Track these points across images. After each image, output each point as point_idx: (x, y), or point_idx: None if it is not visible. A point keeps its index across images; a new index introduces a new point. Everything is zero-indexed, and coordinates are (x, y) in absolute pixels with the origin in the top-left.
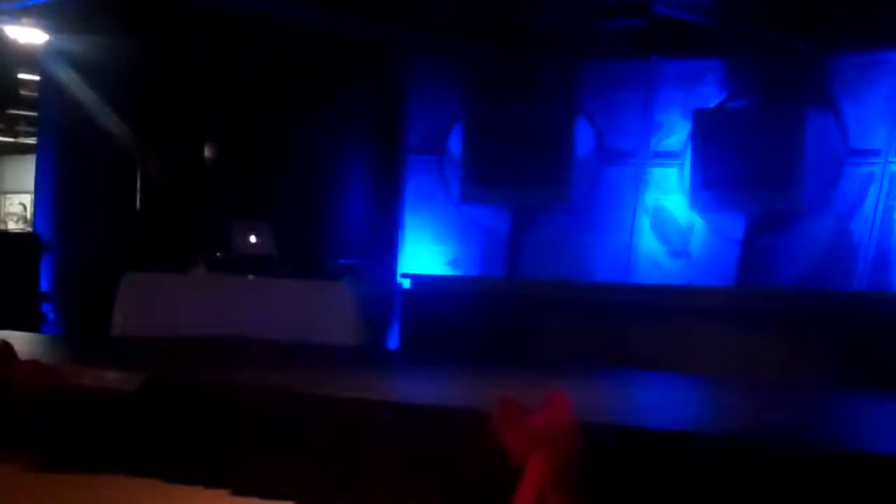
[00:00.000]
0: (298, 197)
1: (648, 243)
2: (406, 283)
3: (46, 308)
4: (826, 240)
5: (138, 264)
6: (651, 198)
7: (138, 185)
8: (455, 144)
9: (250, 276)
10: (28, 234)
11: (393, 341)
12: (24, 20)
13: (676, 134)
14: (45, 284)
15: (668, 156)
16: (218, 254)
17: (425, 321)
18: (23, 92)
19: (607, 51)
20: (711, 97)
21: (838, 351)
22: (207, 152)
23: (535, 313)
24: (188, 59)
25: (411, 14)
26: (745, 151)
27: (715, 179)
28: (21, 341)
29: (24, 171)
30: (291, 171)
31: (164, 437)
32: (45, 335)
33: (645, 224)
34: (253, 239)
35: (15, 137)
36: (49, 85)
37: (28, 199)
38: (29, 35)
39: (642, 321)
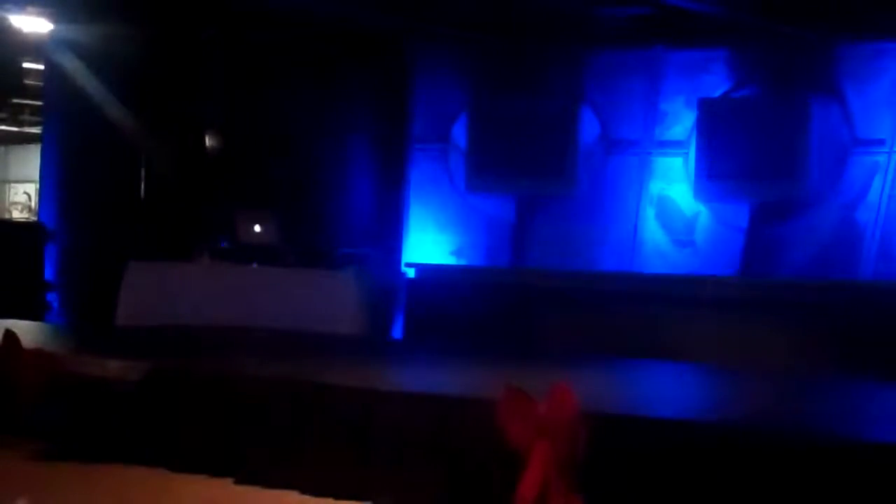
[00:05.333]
0: (303, 186)
1: (653, 233)
2: (410, 273)
3: (51, 297)
4: (831, 230)
5: (143, 254)
6: (656, 187)
7: (143, 175)
8: (460, 134)
9: (254, 266)
10: (33, 223)
11: (397, 331)
12: (30, 9)
13: (681, 123)
14: (49, 273)
15: (673, 145)
16: (222, 243)
17: (430, 311)
18: (27, 81)
19: (612, 40)
20: (716, 86)
21: (843, 340)
22: (211, 142)
23: (539, 303)
24: (192, 49)
25: (416, 4)
26: (751, 141)
27: (720, 169)
28: (25, 330)
29: (29, 161)
30: (296, 161)
31: (167, 427)
32: (50, 324)
33: (649, 214)
34: (257, 228)
35: (20, 127)
36: (54, 74)
37: (33, 189)
38: (34, 24)
39: (647, 311)
